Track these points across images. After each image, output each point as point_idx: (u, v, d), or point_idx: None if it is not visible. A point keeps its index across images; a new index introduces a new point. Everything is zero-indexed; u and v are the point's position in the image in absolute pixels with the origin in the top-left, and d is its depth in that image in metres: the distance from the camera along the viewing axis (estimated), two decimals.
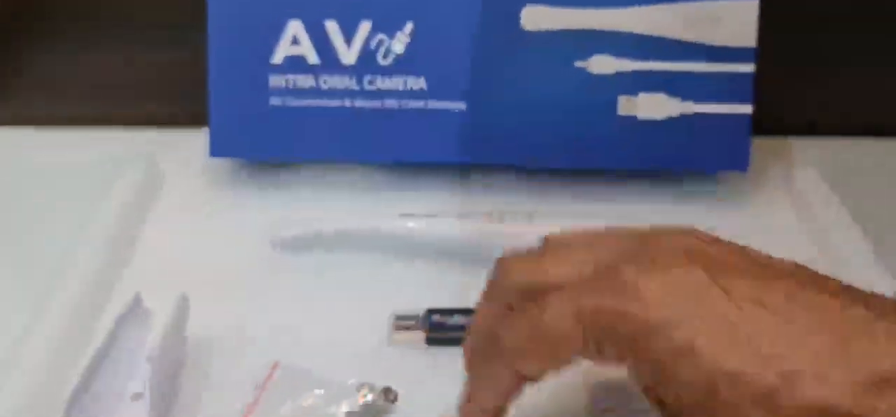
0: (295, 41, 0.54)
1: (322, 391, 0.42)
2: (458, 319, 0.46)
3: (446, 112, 0.55)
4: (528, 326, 0.32)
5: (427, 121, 0.55)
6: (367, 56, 0.55)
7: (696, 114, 0.54)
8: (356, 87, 0.55)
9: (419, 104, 0.55)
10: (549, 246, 0.35)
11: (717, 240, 0.32)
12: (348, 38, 0.54)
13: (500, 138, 0.55)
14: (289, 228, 0.51)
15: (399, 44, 0.54)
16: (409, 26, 0.54)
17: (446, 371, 0.43)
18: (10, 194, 0.59)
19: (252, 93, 0.55)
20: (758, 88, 0.54)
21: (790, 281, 0.30)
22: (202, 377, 0.43)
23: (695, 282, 0.29)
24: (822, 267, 0.31)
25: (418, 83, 0.55)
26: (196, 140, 0.58)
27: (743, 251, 0.32)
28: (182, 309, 0.43)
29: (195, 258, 0.50)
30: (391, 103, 0.55)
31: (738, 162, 0.55)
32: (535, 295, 0.32)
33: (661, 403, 0.31)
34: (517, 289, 0.33)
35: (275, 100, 0.55)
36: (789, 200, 0.57)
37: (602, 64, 0.54)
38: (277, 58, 0.54)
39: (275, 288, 0.49)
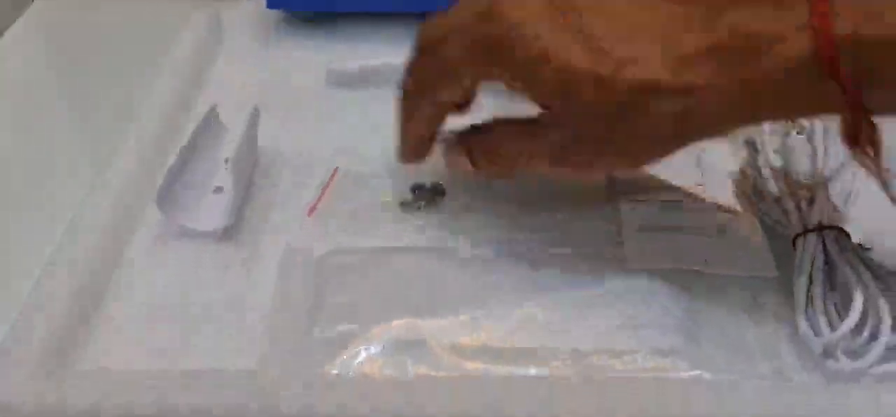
0: None
1: (378, 186, 0.47)
2: None
3: None
4: (433, 65, 0.40)
5: None
6: None
7: None
8: None
9: None
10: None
11: None
12: None
13: None
14: (342, 65, 0.55)
15: None
16: None
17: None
18: (91, 48, 0.64)
19: None
20: None
21: None
22: (272, 179, 0.48)
23: (547, 5, 0.37)
24: None
25: None
26: (250, 2, 0.63)
27: None
28: (254, 118, 0.48)
29: (259, 90, 0.55)
30: None
31: None
32: (439, 41, 0.40)
33: (534, 100, 0.39)
34: (426, 40, 0.41)
35: None
36: None
37: None
38: None
39: (332, 115, 0.53)
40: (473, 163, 0.42)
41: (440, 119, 0.42)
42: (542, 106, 0.38)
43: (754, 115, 0.37)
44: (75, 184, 0.47)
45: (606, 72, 0.35)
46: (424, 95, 0.41)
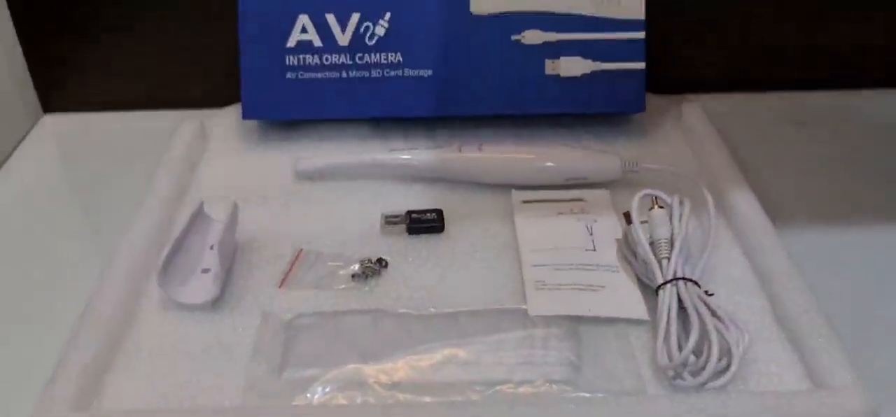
0: (303, 30, 0.69)
1: (335, 262, 0.57)
2: (429, 216, 0.61)
3: (418, 77, 0.70)
4: None
5: (404, 85, 0.70)
6: (357, 38, 0.69)
7: (604, 71, 0.69)
8: (350, 62, 0.70)
9: (397, 73, 0.70)
10: None
11: None
12: (343, 26, 0.69)
13: (457, 95, 0.70)
14: (307, 163, 0.66)
15: (381, 28, 0.69)
16: (388, 15, 0.69)
17: (422, 251, 0.58)
18: (95, 155, 0.74)
19: (273, 70, 0.69)
20: (656, 56, 0.69)
21: None
22: (249, 259, 0.57)
23: None
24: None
25: (396, 57, 0.70)
26: (230, 114, 0.73)
27: None
28: (234, 212, 0.58)
29: (238, 186, 0.64)
30: (376, 73, 0.70)
31: (637, 105, 0.70)
32: None
33: None
34: None
35: (290, 75, 0.70)
36: (679, 132, 0.72)
37: (532, 36, 0.69)
38: (291, 42, 0.69)
39: (298, 204, 0.63)
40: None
41: None
42: None
43: None
44: (89, 270, 0.57)
45: None
46: None
